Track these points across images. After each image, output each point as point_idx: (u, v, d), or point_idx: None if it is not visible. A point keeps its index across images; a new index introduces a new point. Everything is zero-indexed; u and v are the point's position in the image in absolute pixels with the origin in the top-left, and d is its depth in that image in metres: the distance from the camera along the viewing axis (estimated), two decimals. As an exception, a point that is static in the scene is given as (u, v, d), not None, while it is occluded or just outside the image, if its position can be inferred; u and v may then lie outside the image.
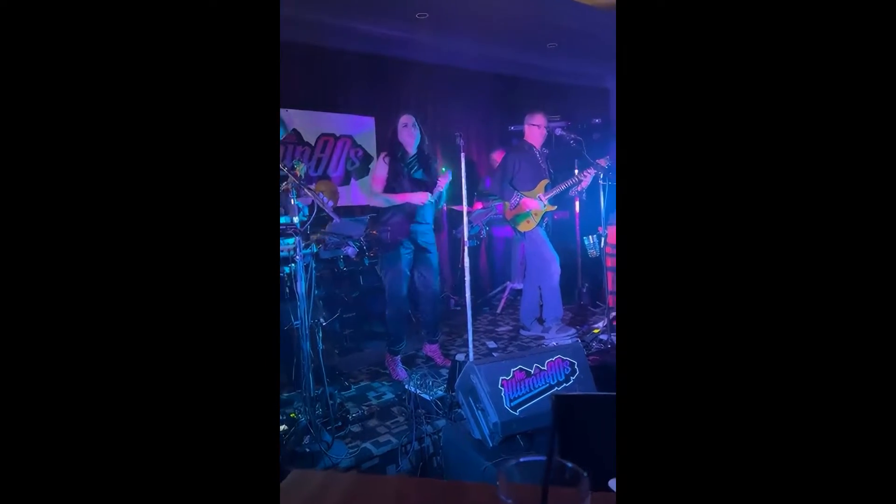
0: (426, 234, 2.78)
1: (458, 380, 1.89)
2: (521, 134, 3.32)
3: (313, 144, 3.91)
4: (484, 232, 4.31)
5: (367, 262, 3.40)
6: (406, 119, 2.68)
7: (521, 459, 0.47)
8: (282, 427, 2.02)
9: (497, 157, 4.05)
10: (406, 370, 2.80)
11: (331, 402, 2.17)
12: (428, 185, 2.71)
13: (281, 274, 2.21)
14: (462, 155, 2.45)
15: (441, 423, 2.11)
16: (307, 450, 1.89)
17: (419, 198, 2.64)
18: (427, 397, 2.20)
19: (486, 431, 1.72)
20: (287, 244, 2.09)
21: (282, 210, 2.17)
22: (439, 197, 2.76)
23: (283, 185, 2.12)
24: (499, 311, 4.11)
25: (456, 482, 0.81)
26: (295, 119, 3.79)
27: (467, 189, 2.51)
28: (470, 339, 2.50)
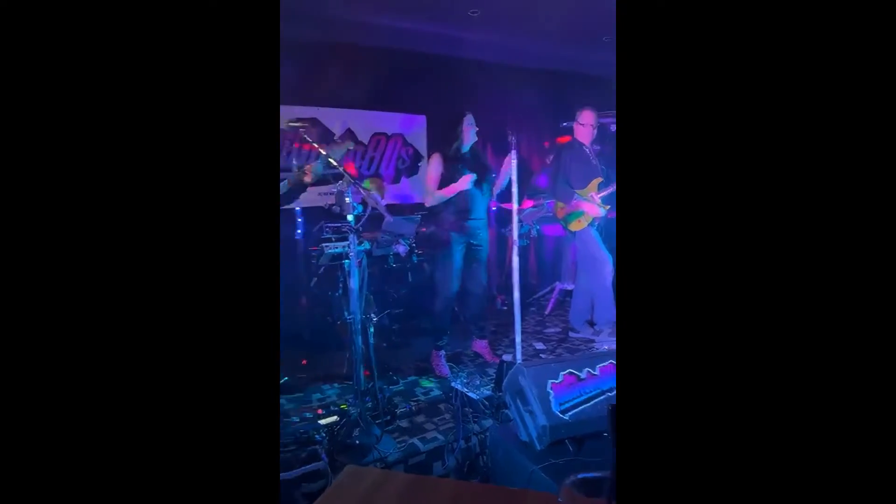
0: (480, 229, 2.78)
1: (505, 380, 1.88)
2: (571, 131, 3.25)
3: (366, 143, 3.99)
4: (534, 231, 4.25)
5: (415, 259, 3.44)
6: (466, 118, 2.68)
7: (584, 475, 0.46)
8: (333, 418, 2.09)
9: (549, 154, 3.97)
10: (451, 367, 2.82)
11: (380, 395, 2.22)
12: (479, 183, 2.71)
13: (336, 270, 2.27)
14: (513, 152, 2.43)
15: (488, 422, 2.11)
16: (357, 442, 1.94)
17: (463, 182, 2.62)
18: (474, 396, 2.20)
19: (534, 434, 1.70)
20: (342, 241, 2.14)
21: (337, 208, 2.22)
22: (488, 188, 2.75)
23: (339, 184, 2.18)
24: (547, 312, 4.04)
25: (514, 490, 0.81)
26: (349, 119, 3.89)
27: (518, 187, 2.49)
28: (518, 339, 2.48)
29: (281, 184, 2.19)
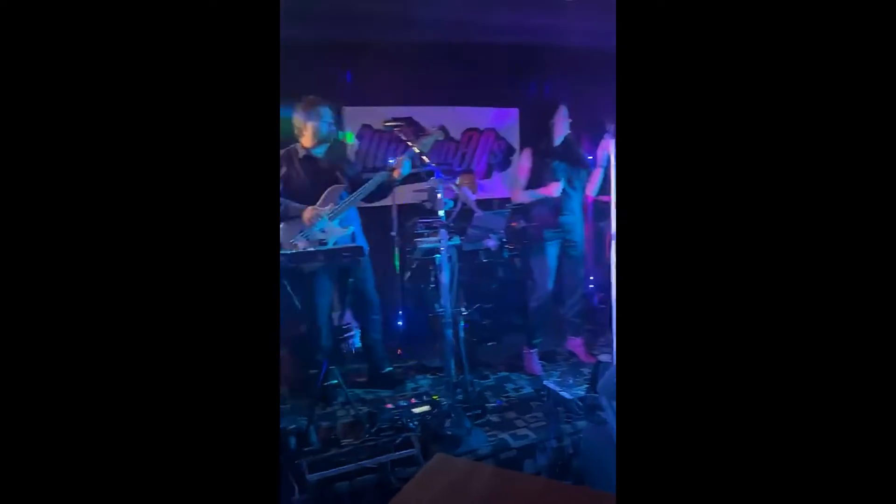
0: (574, 224, 2.69)
1: (601, 381, 1.80)
2: None
3: (458, 139, 4.04)
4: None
5: (506, 254, 3.41)
6: (560, 110, 2.60)
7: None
8: (425, 408, 2.15)
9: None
10: (543, 365, 2.76)
11: (470, 389, 2.24)
12: (572, 177, 2.62)
13: (429, 264, 2.32)
14: (612, 143, 2.30)
15: (581, 423, 2.03)
16: (448, 433, 1.98)
17: (551, 190, 2.55)
18: (567, 396, 2.13)
19: (632, 440, 1.61)
20: (433, 237, 2.19)
21: (429, 203, 2.28)
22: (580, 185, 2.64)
23: (431, 180, 2.22)
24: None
25: (605, 493, 0.78)
26: (444, 116, 3.96)
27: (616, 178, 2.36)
28: (615, 338, 2.35)
29: (369, 182, 2.29)
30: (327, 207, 2.28)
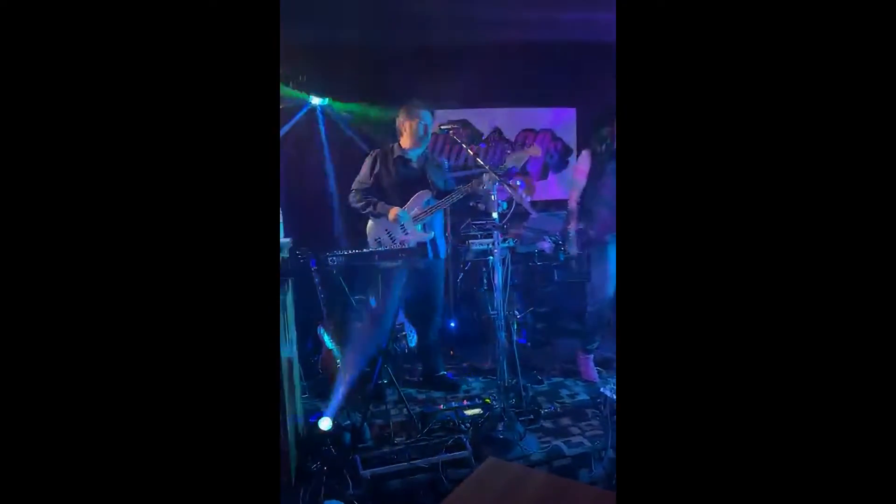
0: None
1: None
2: None
3: (513, 140, 4.00)
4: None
5: (562, 257, 3.33)
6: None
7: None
8: (477, 410, 2.14)
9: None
10: (600, 372, 2.67)
11: (523, 393, 2.21)
12: None
13: (481, 266, 2.32)
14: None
15: (640, 435, 1.95)
16: (500, 436, 1.96)
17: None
18: (625, 405, 2.05)
19: (697, 455, 1.52)
20: (487, 238, 2.19)
21: (482, 205, 2.27)
22: None
23: (486, 181, 2.22)
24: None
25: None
26: (498, 117, 3.94)
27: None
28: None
29: (454, 193, 2.39)
30: (413, 211, 2.37)
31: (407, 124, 2.40)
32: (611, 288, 2.59)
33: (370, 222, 2.46)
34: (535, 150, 2.43)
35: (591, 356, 2.70)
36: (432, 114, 2.47)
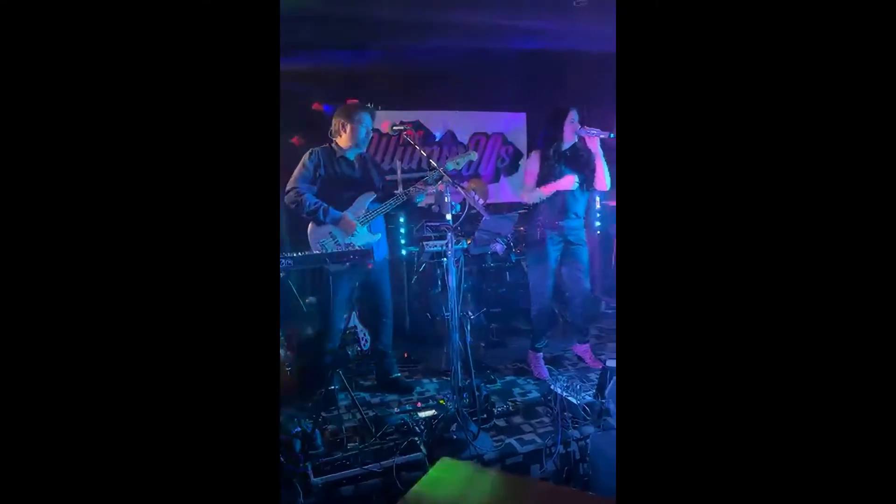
0: (577, 229, 2.68)
1: (608, 386, 1.78)
2: None
3: (465, 144, 4.04)
4: (641, 230, 3.97)
5: (513, 258, 3.40)
6: (570, 114, 2.60)
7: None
8: (431, 412, 2.14)
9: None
10: (550, 370, 2.74)
11: (477, 393, 2.23)
12: (579, 181, 2.60)
13: (435, 268, 2.33)
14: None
15: (589, 429, 2.01)
16: (454, 437, 1.97)
17: (566, 183, 2.55)
18: (574, 401, 2.11)
19: (640, 447, 1.59)
20: (440, 240, 2.20)
21: (436, 207, 2.28)
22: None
23: (439, 184, 2.23)
24: (657, 316, 3.76)
25: (612, 500, 0.77)
26: (451, 120, 3.97)
27: (624, 183, 2.34)
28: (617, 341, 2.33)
29: (399, 195, 2.37)
30: (361, 212, 2.34)
31: (348, 126, 2.35)
32: (550, 286, 2.66)
33: (311, 225, 2.37)
34: (473, 155, 2.48)
35: (541, 354, 2.77)
36: (372, 115, 2.43)
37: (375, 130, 3.70)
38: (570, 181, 2.54)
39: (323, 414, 2.24)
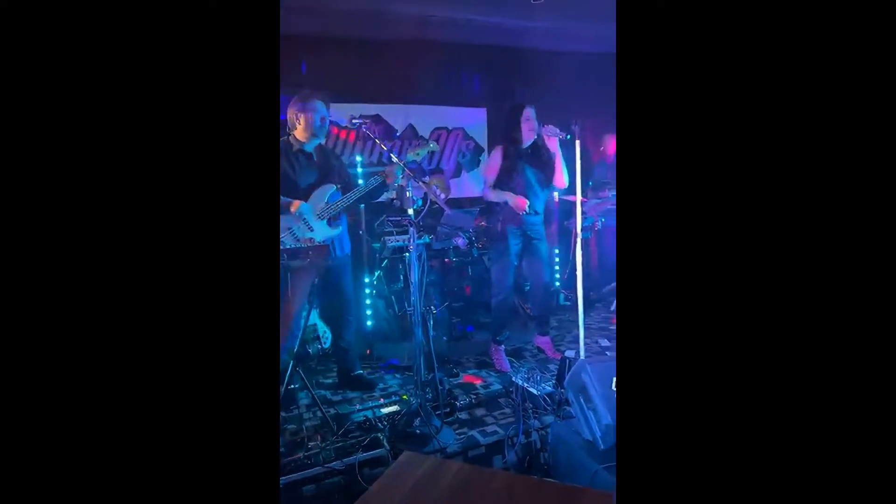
0: (537, 224, 2.73)
1: (567, 377, 1.83)
2: None
3: (427, 138, 4.03)
4: (599, 223, 4.09)
5: (475, 252, 3.43)
6: (526, 111, 2.63)
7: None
8: (394, 408, 2.13)
9: (611, 142, 3.82)
10: (511, 362, 2.79)
11: (440, 387, 2.24)
12: (539, 178, 2.66)
13: (398, 263, 2.31)
14: (577, 143, 2.34)
15: (549, 419, 2.07)
16: (417, 431, 1.97)
17: (517, 205, 2.58)
18: (535, 392, 2.16)
19: (598, 433, 1.64)
20: (402, 235, 2.19)
21: (398, 202, 2.26)
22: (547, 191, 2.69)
23: (401, 178, 2.21)
24: (613, 308, 3.89)
25: (572, 487, 0.79)
26: (412, 114, 3.94)
27: (582, 178, 2.40)
28: (581, 335, 2.40)
29: (360, 187, 2.30)
30: (321, 205, 2.25)
31: (302, 117, 2.27)
32: (510, 279, 2.71)
33: None
34: (433, 145, 2.46)
35: (503, 347, 2.81)
36: (327, 105, 2.36)
37: (333, 122, 3.63)
38: (522, 204, 2.58)
39: (283, 414, 2.19)
